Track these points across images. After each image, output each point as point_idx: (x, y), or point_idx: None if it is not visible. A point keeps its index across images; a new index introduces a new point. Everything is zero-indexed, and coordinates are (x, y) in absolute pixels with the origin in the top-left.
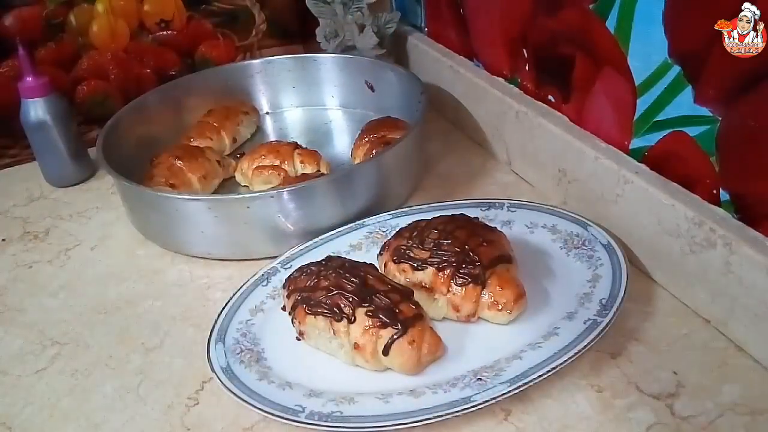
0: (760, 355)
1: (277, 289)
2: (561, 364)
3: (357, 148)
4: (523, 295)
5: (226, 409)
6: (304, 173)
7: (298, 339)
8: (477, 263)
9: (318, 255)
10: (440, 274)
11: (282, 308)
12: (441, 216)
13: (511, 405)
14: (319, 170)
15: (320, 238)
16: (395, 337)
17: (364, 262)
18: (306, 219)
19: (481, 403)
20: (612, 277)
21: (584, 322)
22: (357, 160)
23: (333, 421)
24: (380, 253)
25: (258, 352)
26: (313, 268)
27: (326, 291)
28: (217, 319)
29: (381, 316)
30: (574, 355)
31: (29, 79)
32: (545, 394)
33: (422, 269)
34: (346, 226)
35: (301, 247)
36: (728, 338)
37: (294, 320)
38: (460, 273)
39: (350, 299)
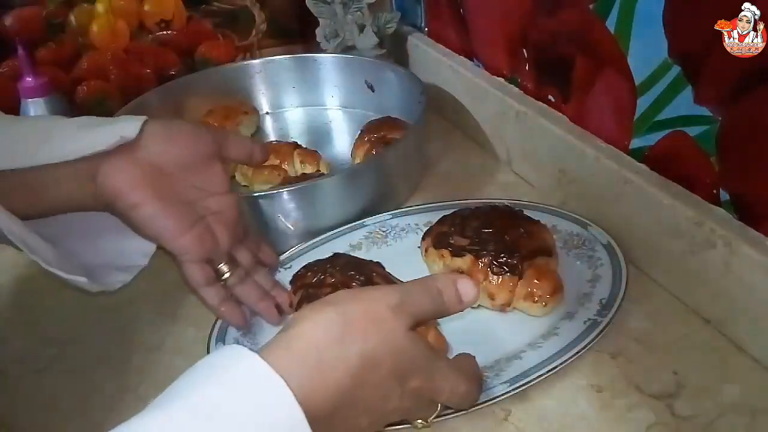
0: (760, 355)
1: None
2: (561, 364)
3: (357, 148)
4: (560, 288)
5: None
6: (304, 173)
7: None
8: (515, 253)
9: (318, 255)
10: (478, 261)
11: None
12: (484, 206)
13: (511, 405)
14: (319, 170)
15: (320, 238)
16: None
17: (370, 260)
18: (306, 219)
19: (481, 403)
20: (612, 277)
21: (584, 322)
22: (357, 160)
23: None
24: (423, 239)
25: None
26: (319, 265)
27: (332, 288)
28: (217, 319)
29: None
30: (574, 355)
31: (29, 79)
32: (545, 394)
33: (461, 256)
34: (346, 226)
35: (301, 247)
36: (728, 338)
37: None
38: (498, 262)
39: None
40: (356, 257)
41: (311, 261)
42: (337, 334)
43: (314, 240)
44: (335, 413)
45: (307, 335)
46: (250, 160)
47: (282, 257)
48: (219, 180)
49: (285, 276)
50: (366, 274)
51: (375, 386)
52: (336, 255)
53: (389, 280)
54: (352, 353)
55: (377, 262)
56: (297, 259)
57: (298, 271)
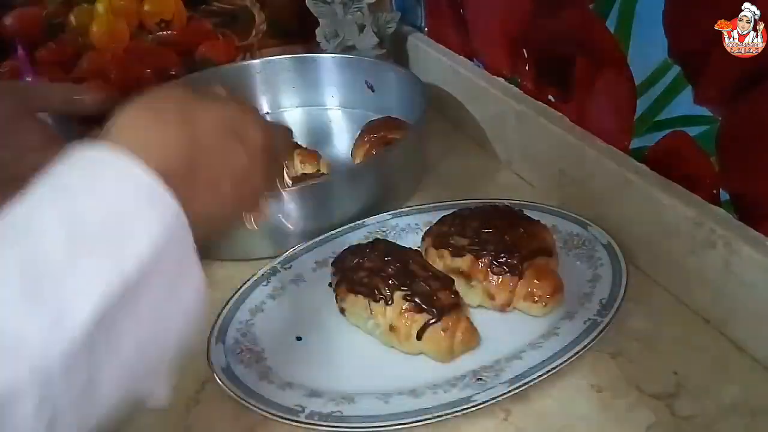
0: (760, 355)
1: (277, 289)
2: (561, 364)
3: (357, 148)
4: (560, 288)
5: (226, 409)
6: (304, 173)
7: (298, 339)
8: (515, 254)
9: (318, 255)
10: (478, 261)
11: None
12: (484, 206)
13: (511, 405)
14: (319, 170)
15: (320, 237)
16: (429, 322)
17: (409, 248)
18: (306, 219)
19: (481, 403)
20: (612, 277)
21: (584, 322)
22: (357, 160)
23: (333, 420)
24: (423, 239)
25: (258, 352)
26: (359, 249)
27: (368, 272)
28: (217, 319)
29: (418, 300)
30: (574, 355)
31: (29, 79)
32: (545, 394)
33: (461, 256)
34: (346, 226)
35: (301, 247)
36: (728, 338)
37: (336, 296)
38: (498, 262)
39: (390, 282)
40: (397, 244)
41: (354, 245)
42: (153, 109)
43: (314, 240)
44: (185, 174)
45: (124, 122)
46: (72, 106)
47: (282, 257)
48: (37, 135)
49: (285, 276)
50: (402, 260)
51: (209, 139)
52: (377, 240)
53: (425, 268)
54: (172, 118)
55: (416, 250)
56: (297, 259)
57: (339, 255)
